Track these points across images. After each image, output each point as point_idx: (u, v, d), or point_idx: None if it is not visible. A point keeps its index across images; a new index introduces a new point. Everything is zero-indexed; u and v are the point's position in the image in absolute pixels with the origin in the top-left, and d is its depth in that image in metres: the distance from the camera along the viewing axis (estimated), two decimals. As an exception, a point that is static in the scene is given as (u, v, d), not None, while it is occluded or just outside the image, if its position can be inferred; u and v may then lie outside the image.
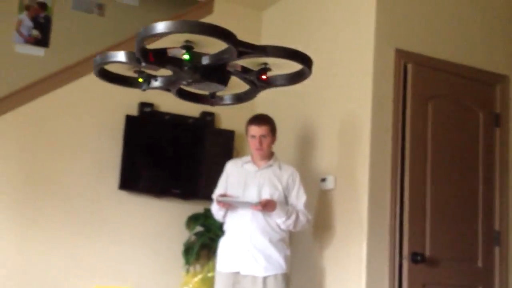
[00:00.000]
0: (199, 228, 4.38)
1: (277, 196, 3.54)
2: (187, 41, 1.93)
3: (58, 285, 4.06)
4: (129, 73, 2.23)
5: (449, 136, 3.85)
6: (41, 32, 5.04)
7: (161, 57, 2.02)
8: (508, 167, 4.05)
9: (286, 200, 3.59)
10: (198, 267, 4.37)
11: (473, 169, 3.91)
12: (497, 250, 3.92)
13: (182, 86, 2.29)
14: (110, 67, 2.21)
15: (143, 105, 4.40)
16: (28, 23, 5.01)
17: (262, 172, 3.62)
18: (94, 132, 4.32)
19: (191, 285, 4.19)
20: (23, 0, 5.00)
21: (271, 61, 2.10)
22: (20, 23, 4.97)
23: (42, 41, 5.00)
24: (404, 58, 3.78)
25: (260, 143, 3.58)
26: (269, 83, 2.23)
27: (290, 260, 3.61)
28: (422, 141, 3.74)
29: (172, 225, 4.40)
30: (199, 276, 4.21)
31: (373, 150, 3.65)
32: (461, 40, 4.03)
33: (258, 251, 3.47)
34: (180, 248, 4.34)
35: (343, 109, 3.93)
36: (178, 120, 4.52)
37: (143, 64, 2.04)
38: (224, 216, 3.62)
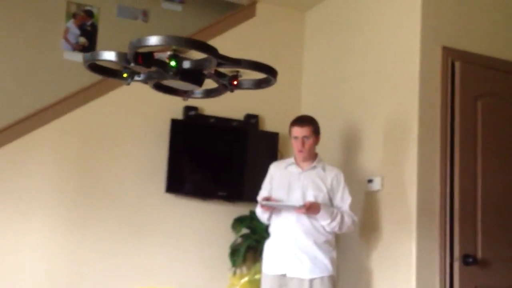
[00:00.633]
0: (245, 230, 4.39)
1: (321, 198, 3.52)
2: (174, 49, 2.29)
3: (105, 287, 4.12)
4: (116, 67, 2.52)
5: (499, 135, 3.76)
6: (88, 40, 5.14)
7: (148, 59, 2.33)
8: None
9: (331, 202, 3.56)
10: (244, 269, 4.39)
11: (525, 167, 3.80)
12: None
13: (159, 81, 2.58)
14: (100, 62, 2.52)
15: (188, 109, 4.44)
16: (75, 30, 5.12)
17: (306, 174, 3.60)
18: (141, 136, 4.38)
19: (238, 287, 4.20)
20: (70, 8, 5.12)
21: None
22: (67, 31, 5.08)
23: (89, 48, 5.10)
24: (451, 55, 3.71)
25: (303, 144, 3.57)
26: (238, 86, 2.58)
27: (337, 263, 3.57)
28: (471, 140, 3.66)
29: (218, 228, 4.43)
30: (246, 278, 4.21)
31: (421, 150, 3.59)
32: (510, 36, 3.92)
33: (303, 253, 3.46)
34: (226, 251, 4.36)
35: (389, 109, 3.88)
36: (222, 123, 4.54)
37: (132, 64, 2.32)
38: (269, 218, 3.62)
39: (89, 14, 5.18)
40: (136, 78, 2.52)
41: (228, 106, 4.48)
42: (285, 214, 3.53)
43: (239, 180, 4.55)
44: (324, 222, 3.47)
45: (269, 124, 4.69)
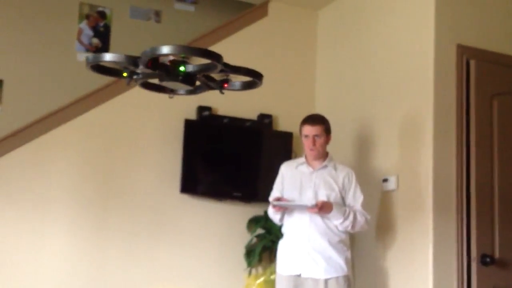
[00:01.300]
0: (260, 231, 4.39)
1: (333, 197, 3.51)
2: (183, 56, 2.54)
3: (122, 286, 4.14)
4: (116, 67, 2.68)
5: (516, 133, 3.72)
6: (101, 41, 5.15)
7: (155, 63, 2.53)
8: None
9: (343, 201, 3.55)
10: (260, 269, 4.38)
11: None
12: None
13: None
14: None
15: (201, 109, 4.44)
16: (88, 32, 5.13)
17: (317, 174, 3.59)
18: (155, 136, 4.39)
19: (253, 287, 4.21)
20: (82, 10, 5.14)
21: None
22: (80, 32, 5.10)
23: (102, 49, 5.11)
24: (466, 53, 3.68)
25: (314, 143, 3.56)
26: (227, 88, 2.78)
27: (352, 263, 3.56)
28: (487, 139, 3.63)
29: (233, 228, 4.43)
30: (262, 279, 4.21)
31: (436, 148, 3.57)
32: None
33: (317, 253, 3.45)
34: (241, 251, 4.36)
35: (404, 107, 3.85)
36: (236, 123, 4.54)
37: (141, 67, 2.53)
38: (281, 219, 3.62)
39: (102, 15, 5.20)
40: (134, 77, 2.67)
41: (242, 106, 4.48)
42: (298, 214, 3.53)
43: (253, 180, 4.54)
44: (336, 221, 3.46)
45: (283, 124, 4.68)
